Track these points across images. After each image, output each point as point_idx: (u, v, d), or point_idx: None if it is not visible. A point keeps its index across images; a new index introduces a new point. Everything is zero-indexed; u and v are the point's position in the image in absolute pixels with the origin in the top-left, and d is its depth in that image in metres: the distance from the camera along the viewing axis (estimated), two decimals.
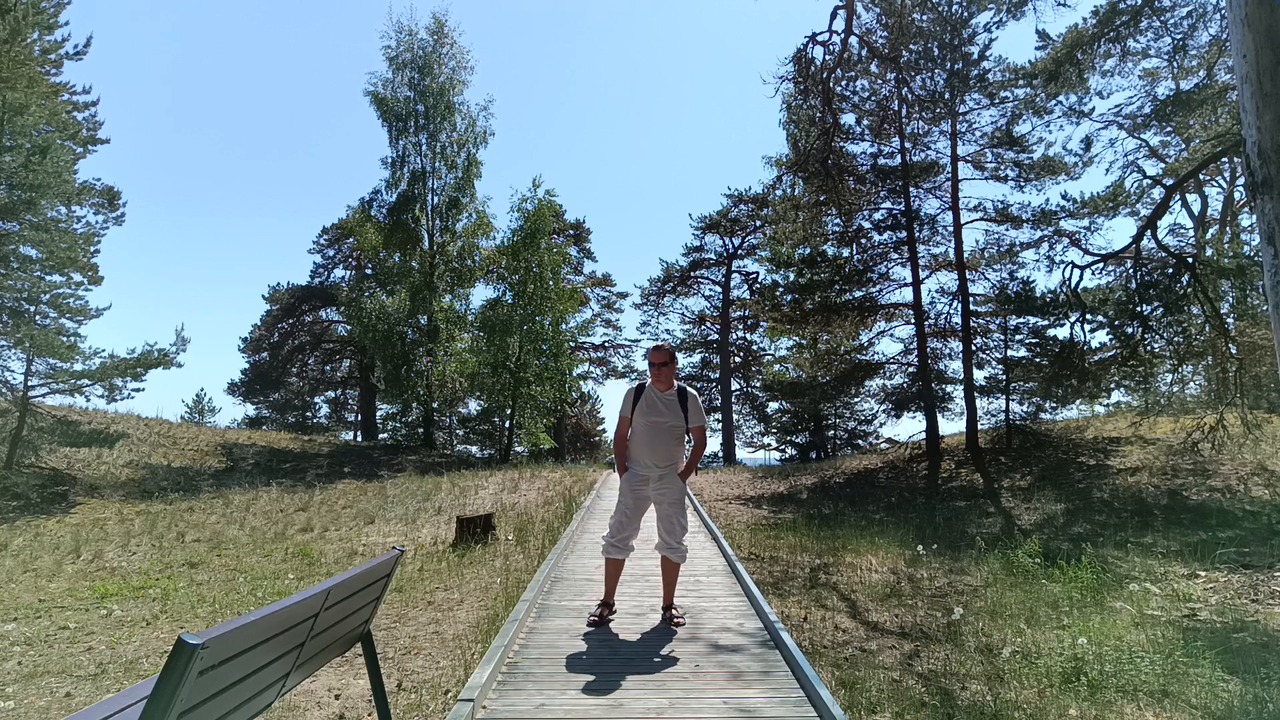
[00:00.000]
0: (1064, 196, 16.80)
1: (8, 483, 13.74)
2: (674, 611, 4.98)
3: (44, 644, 5.24)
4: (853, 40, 10.54)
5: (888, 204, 17.72)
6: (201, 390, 37.15)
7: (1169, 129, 15.39)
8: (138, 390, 35.73)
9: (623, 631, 4.81)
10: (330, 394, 37.92)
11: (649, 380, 4.99)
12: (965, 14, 15.68)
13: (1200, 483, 11.33)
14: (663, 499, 4.90)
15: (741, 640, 4.64)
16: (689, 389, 4.96)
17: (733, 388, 32.77)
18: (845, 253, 19.28)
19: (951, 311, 17.23)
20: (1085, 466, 13.38)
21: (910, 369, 18.06)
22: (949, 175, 16.75)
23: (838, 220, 18.61)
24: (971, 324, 16.64)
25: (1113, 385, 14.71)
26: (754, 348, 34.42)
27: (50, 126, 17.01)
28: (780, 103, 20.33)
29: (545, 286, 22.81)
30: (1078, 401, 16.03)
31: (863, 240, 18.33)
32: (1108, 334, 13.79)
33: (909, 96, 16.12)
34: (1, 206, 15.14)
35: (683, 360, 36.26)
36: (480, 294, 43.59)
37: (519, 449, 26.20)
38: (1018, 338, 16.29)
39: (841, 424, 28.67)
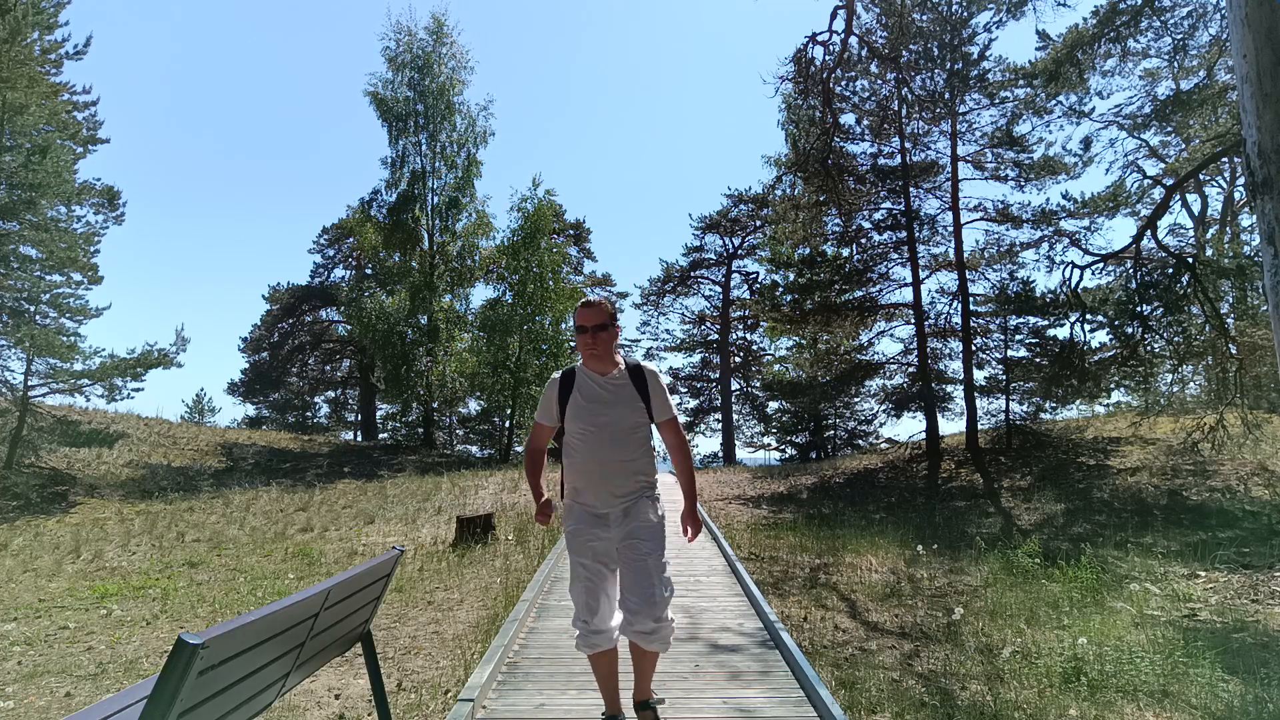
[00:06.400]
0: (1064, 196, 16.80)
1: (8, 483, 13.74)
2: (651, 699, 3.22)
3: (44, 644, 5.23)
4: (853, 40, 10.55)
5: (888, 204, 17.72)
6: (201, 390, 37.15)
7: (1169, 129, 15.39)
8: (138, 390, 35.77)
9: None
10: (330, 394, 37.91)
11: (580, 363, 3.17)
12: (965, 14, 15.67)
13: (1200, 483, 11.33)
14: (632, 544, 2.99)
15: (741, 640, 4.64)
16: (646, 365, 3.14)
17: (733, 388, 32.77)
18: (845, 253, 19.28)
19: (951, 311, 17.23)
20: (1085, 466, 13.38)
21: (910, 369, 18.05)
22: (949, 175, 16.75)
23: (838, 220, 18.60)
24: (971, 324, 16.63)
25: (1113, 385, 14.69)
26: (754, 348, 34.41)
27: (50, 126, 17.00)
28: (780, 103, 20.40)
29: (545, 286, 22.82)
30: (1078, 401, 16.01)
31: (863, 240, 18.32)
32: (1108, 334, 13.79)
33: (909, 96, 16.11)
34: (1, 206, 15.14)
35: (682, 360, 36.15)
36: (480, 294, 43.69)
37: (519, 449, 26.20)
38: (1018, 338, 16.29)
39: (841, 424, 28.63)
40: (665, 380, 3.19)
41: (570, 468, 3.11)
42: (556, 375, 3.16)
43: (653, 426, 3.14)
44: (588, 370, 3.10)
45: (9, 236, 15.48)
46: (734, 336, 33.45)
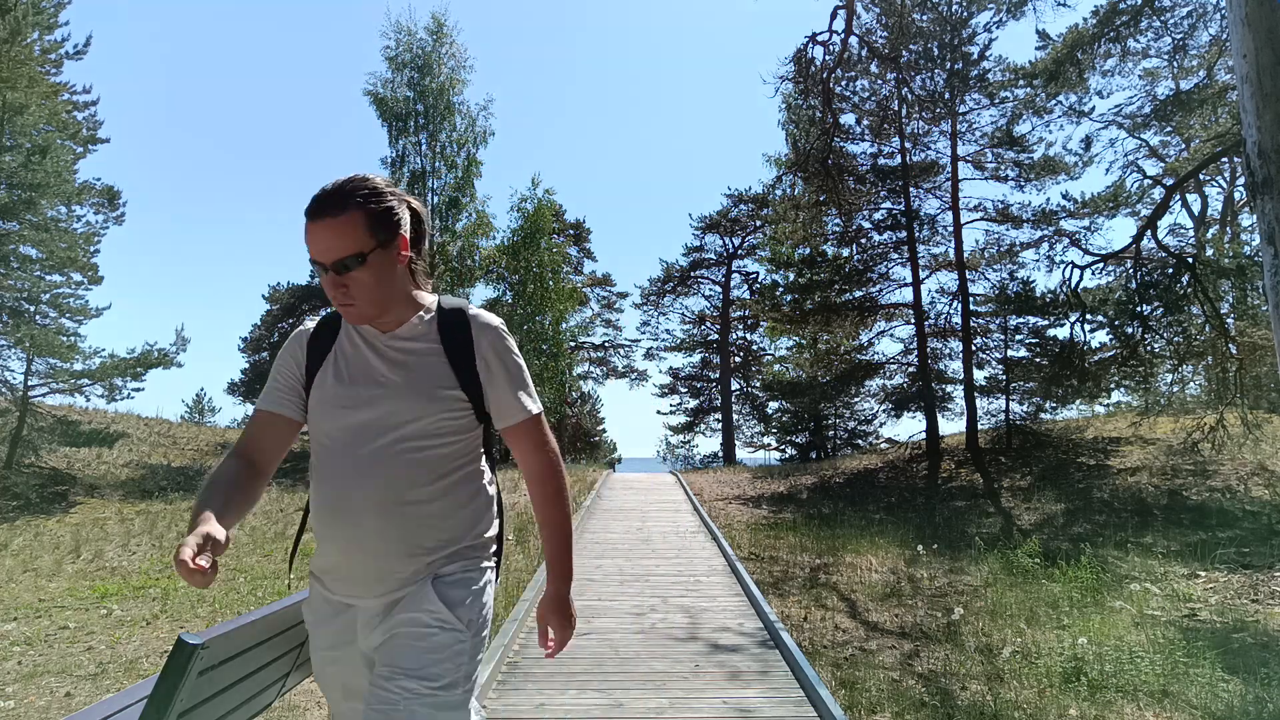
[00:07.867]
0: (1064, 196, 16.78)
1: (8, 483, 13.74)
2: None
3: (44, 644, 5.23)
4: (853, 40, 10.57)
5: (888, 204, 17.72)
6: (201, 390, 37.06)
7: (1169, 129, 15.39)
8: (138, 390, 35.71)
9: (622, 631, 4.81)
10: None
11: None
12: (965, 14, 15.67)
13: (1200, 483, 11.33)
14: (383, 672, 1.40)
15: (741, 640, 4.64)
16: (480, 313, 1.55)
17: (733, 388, 32.78)
18: (845, 253, 19.28)
19: (951, 311, 17.23)
20: (1085, 466, 13.38)
21: (910, 369, 18.05)
22: (949, 175, 16.75)
23: (838, 220, 18.60)
24: (971, 324, 16.63)
25: (1113, 385, 14.70)
26: (754, 348, 34.41)
27: (50, 126, 16.98)
28: (780, 103, 20.35)
29: (545, 286, 22.82)
30: (1078, 401, 16.02)
31: (863, 240, 18.33)
32: (1108, 334, 13.79)
33: (909, 96, 16.12)
34: (1, 206, 15.14)
35: (682, 360, 36.06)
36: (480, 294, 43.51)
37: None
38: (1018, 338, 16.29)
39: (841, 424, 28.61)
40: (511, 343, 1.56)
41: (312, 510, 1.58)
42: (308, 324, 1.62)
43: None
44: (348, 322, 1.55)
45: (9, 236, 15.48)
46: (734, 336, 33.45)
